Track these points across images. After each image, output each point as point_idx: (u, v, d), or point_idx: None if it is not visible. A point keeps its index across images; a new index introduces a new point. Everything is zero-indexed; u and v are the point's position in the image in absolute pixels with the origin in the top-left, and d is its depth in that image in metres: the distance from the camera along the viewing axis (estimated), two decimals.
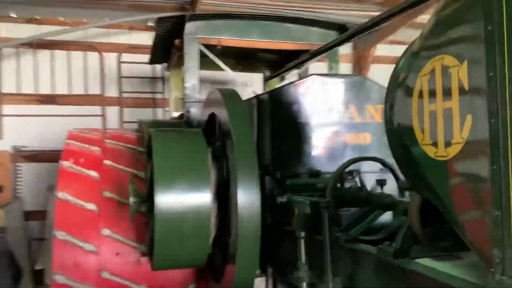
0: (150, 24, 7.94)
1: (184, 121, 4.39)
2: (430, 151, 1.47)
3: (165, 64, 6.93)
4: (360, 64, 8.81)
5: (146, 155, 3.46)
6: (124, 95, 7.94)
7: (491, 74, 1.17)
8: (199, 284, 3.71)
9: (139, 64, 7.93)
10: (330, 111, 3.05)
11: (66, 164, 3.59)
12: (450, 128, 1.36)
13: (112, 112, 7.93)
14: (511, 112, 1.13)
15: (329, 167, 3.04)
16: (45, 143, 7.57)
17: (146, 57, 7.92)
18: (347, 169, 2.79)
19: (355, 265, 2.24)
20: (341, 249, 2.30)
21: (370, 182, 3.01)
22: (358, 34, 2.96)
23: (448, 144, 1.37)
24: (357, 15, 7.82)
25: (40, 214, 7.36)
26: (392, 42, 8.14)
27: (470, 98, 1.27)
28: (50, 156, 7.56)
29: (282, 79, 5.77)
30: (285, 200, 2.54)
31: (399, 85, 1.67)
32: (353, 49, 8.58)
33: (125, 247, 3.48)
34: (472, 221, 1.34)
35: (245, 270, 2.62)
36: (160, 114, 8.09)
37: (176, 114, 5.86)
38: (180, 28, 4.46)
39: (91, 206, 3.46)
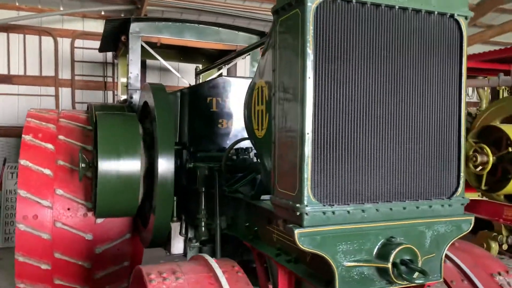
0: (103, 13, 8.66)
1: (127, 106, 5.32)
2: (257, 133, 2.57)
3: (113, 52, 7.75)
4: None
5: (93, 132, 4.40)
6: (77, 77, 8.65)
7: (273, 93, 2.26)
8: (133, 234, 4.74)
9: (91, 49, 8.67)
10: (232, 103, 4.12)
11: (27, 138, 4.47)
12: (262, 120, 2.46)
13: (65, 93, 8.64)
14: (278, 113, 2.21)
15: None
16: (0, 120, 8.23)
17: (98, 44, 8.70)
18: (244, 146, 3.89)
19: (235, 208, 3.35)
20: (226, 198, 3.40)
21: None
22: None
23: (262, 129, 2.47)
24: None
25: None
26: None
27: (268, 106, 2.37)
28: (5, 132, 8.25)
29: (219, 70, 6.79)
30: (191, 166, 3.60)
31: (249, 94, 2.76)
32: None
33: (74, 203, 4.42)
34: (267, 168, 2.45)
35: (162, 218, 3.66)
36: (110, 97, 8.89)
37: (123, 97, 6.72)
38: (125, 27, 5.36)
39: (47, 171, 4.37)
